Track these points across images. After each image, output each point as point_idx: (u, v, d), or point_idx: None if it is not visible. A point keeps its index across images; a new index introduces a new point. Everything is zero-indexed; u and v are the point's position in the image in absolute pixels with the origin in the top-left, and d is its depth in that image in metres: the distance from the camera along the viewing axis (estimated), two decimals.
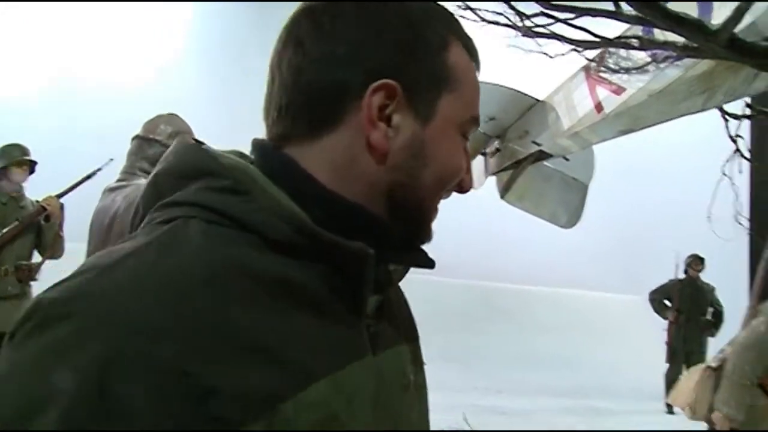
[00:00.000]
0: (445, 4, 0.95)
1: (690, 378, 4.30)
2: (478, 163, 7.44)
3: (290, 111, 0.82)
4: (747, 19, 3.89)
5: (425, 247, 0.91)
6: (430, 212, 0.87)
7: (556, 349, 12.14)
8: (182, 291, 0.65)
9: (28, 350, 0.63)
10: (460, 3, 5.18)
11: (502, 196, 7.21)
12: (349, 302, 0.78)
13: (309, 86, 0.80)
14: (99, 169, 4.56)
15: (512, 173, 6.99)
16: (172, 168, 0.80)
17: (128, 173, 3.14)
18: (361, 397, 0.77)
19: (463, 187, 0.90)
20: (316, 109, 0.81)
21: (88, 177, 4.67)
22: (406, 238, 0.86)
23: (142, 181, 3.07)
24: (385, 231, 0.83)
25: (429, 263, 0.89)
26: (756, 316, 4.08)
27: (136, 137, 3.20)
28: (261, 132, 0.89)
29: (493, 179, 7.43)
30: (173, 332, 0.63)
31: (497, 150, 7.00)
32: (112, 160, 4.27)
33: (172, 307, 0.64)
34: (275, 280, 0.72)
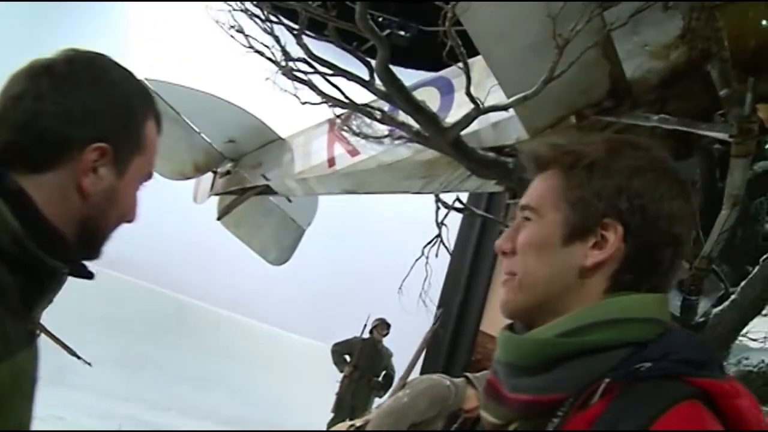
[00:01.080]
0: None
1: (336, 429, 4.53)
2: (206, 180, 7.35)
3: (21, 148, 1.04)
4: (473, 127, 4.35)
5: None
6: (107, 239, 1.14)
7: (234, 378, 12.15)
8: None
9: None
10: (234, 23, 5.18)
11: (218, 218, 7.18)
12: (28, 304, 1.03)
13: (43, 133, 1.03)
14: None
15: (235, 199, 7.00)
16: None
17: None
18: (24, 376, 1.03)
19: (131, 221, 1.17)
20: (46, 152, 1.04)
21: None
22: (83, 256, 1.11)
23: None
24: (72, 252, 1.07)
25: (91, 276, 1.13)
26: (403, 388, 4.43)
27: None
28: None
29: (215, 199, 7.38)
30: None
31: (228, 172, 6.99)
32: None
33: None
34: None
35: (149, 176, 1.17)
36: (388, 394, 4.59)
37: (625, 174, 1.04)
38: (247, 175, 6.78)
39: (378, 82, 4.29)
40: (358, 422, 4.46)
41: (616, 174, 1.04)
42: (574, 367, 0.98)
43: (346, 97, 4.72)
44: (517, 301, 1.08)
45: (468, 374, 4.62)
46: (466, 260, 11.77)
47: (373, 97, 4.97)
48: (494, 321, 11.80)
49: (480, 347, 12.69)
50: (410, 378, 4.59)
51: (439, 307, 8.71)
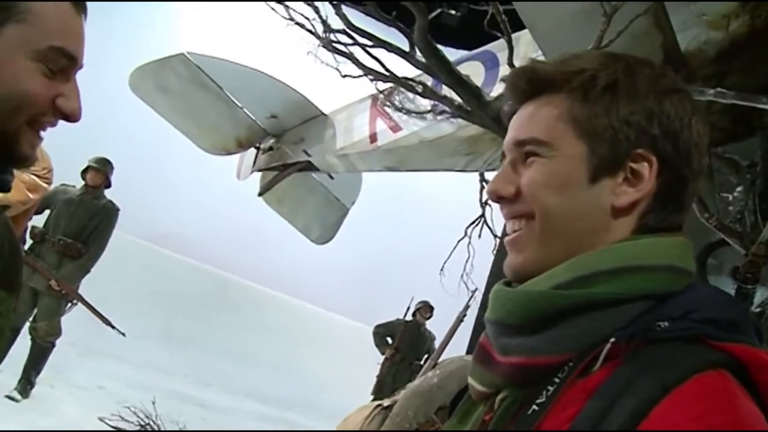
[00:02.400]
0: None
1: (361, 411, 4.41)
2: (249, 156, 7.32)
3: None
4: None
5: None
6: (8, 134, 0.92)
7: (277, 356, 12.23)
8: None
9: None
10: None
11: (260, 194, 7.14)
12: None
13: None
14: None
15: (277, 175, 6.95)
16: None
17: None
18: None
19: (67, 115, 0.95)
20: None
21: None
22: None
23: None
24: None
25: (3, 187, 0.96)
26: (433, 369, 4.29)
27: None
28: None
29: (258, 175, 7.34)
30: None
31: (270, 148, 6.94)
32: None
33: None
34: None
35: (57, 52, 0.93)
36: (419, 375, 4.44)
37: (654, 95, 0.87)
38: (289, 151, 6.72)
39: (418, 54, 4.15)
40: (386, 402, 4.35)
41: (643, 96, 0.87)
42: (576, 324, 0.81)
43: (387, 70, 4.59)
44: (539, 254, 0.89)
45: None
46: None
47: (417, 73, 4.85)
48: None
49: None
50: (441, 358, 4.45)
51: (483, 290, 8.55)
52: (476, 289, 5.01)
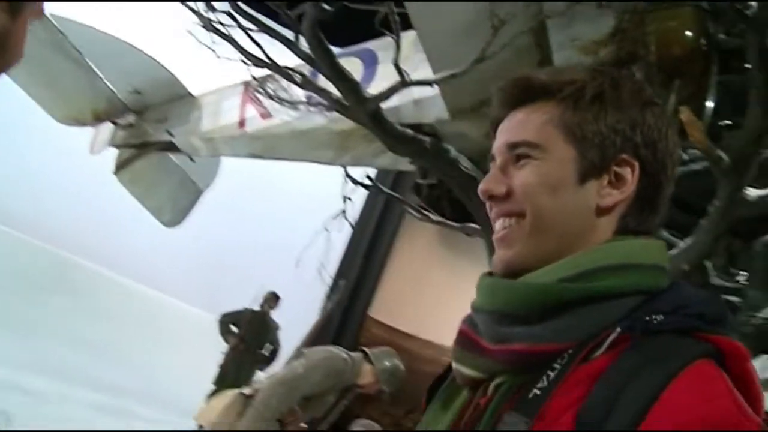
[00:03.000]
0: None
1: (221, 399, 4.38)
2: (105, 130, 6.96)
3: None
4: (394, 102, 4.25)
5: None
6: None
7: (114, 343, 11.71)
8: None
9: None
10: None
11: (114, 172, 6.82)
12: None
13: None
14: None
15: (135, 153, 6.67)
16: None
17: None
18: None
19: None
20: None
21: None
22: None
23: None
24: None
25: None
26: (299, 358, 4.31)
27: None
28: None
29: (113, 152, 7.00)
30: None
31: (130, 125, 6.64)
32: None
33: None
34: None
35: (40, 13, 0.92)
36: (285, 363, 4.46)
37: (636, 107, 0.98)
38: (150, 129, 6.47)
39: (302, 43, 4.13)
40: (246, 390, 4.31)
41: (627, 107, 0.97)
42: (579, 315, 0.89)
43: (268, 57, 4.53)
44: (528, 249, 0.97)
45: (365, 348, 4.53)
46: (365, 240, 11.64)
47: (293, 63, 4.82)
48: (384, 305, 11.82)
49: (366, 331, 12.65)
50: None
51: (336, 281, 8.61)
52: (343, 281, 5.05)
